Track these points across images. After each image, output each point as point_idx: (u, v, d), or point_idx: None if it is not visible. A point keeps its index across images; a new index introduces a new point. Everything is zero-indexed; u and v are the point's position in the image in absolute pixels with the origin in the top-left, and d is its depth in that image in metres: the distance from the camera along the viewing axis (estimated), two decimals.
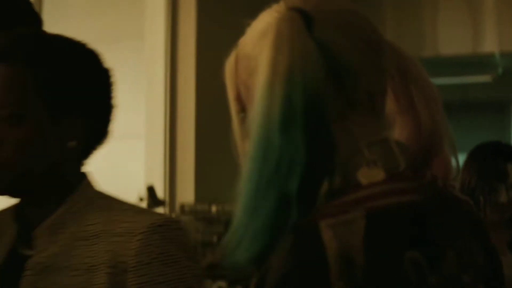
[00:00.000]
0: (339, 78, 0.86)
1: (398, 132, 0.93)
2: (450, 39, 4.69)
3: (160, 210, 3.68)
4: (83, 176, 1.27)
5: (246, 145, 0.88)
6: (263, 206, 0.81)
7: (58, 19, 3.97)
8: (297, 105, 0.80)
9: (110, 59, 4.65)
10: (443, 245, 0.83)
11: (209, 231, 3.21)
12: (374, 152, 0.84)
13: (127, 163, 3.99)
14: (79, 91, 1.20)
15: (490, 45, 4.58)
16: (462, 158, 2.31)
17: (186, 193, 3.88)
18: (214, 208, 3.42)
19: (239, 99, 0.93)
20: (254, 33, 0.92)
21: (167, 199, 3.78)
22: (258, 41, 0.89)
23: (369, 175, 0.82)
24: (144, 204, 3.49)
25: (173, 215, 3.64)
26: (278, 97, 0.80)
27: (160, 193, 3.66)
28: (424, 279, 0.79)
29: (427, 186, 0.87)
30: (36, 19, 1.61)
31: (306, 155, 0.79)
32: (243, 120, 0.92)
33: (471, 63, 4.95)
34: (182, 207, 3.63)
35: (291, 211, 0.80)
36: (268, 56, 0.83)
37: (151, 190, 3.50)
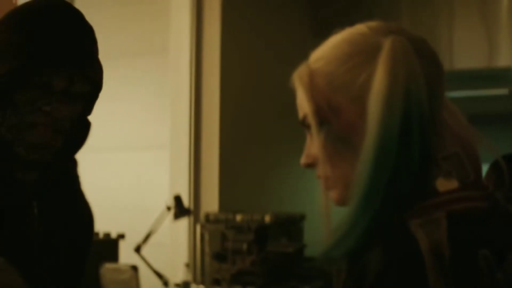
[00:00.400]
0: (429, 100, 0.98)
1: (450, 144, 1.02)
2: (466, 54, 4.76)
3: (186, 218, 3.77)
4: None
5: (325, 153, 1.01)
6: (372, 208, 0.93)
7: None
8: (414, 119, 0.93)
9: (136, 72, 4.82)
10: (505, 248, 0.94)
11: (239, 239, 3.31)
12: (449, 165, 0.97)
13: (152, 173, 4.09)
14: None
15: (505, 59, 4.65)
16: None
17: (211, 203, 3.96)
18: (239, 217, 3.51)
19: (319, 112, 1.02)
20: (338, 53, 1.02)
21: (192, 208, 3.86)
22: (348, 61, 1.00)
23: (445, 184, 0.96)
24: (171, 213, 3.59)
25: (198, 224, 3.73)
26: (397, 112, 0.93)
27: (185, 202, 3.75)
28: (493, 274, 0.91)
29: (491, 195, 1.00)
30: None
31: (417, 163, 0.93)
32: (328, 131, 1.01)
33: (487, 76, 5.02)
34: (207, 216, 3.72)
35: (393, 212, 0.93)
36: (386, 77, 0.95)
37: (178, 199, 3.59)
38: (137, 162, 4.12)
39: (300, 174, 4.61)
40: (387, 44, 0.97)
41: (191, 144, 4.01)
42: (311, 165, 1.07)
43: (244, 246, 3.21)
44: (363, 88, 0.98)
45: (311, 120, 1.01)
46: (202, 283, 3.56)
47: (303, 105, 1.04)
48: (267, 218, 3.37)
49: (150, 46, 4.19)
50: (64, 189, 1.52)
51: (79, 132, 1.46)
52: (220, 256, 3.25)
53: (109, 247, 3.61)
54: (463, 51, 4.76)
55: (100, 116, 1.83)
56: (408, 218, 0.92)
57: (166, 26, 4.12)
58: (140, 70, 4.19)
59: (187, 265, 3.70)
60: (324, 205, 1.05)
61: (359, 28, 1.04)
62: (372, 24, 1.04)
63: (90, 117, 1.48)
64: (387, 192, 0.92)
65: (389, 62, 0.95)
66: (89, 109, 1.44)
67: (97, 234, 3.52)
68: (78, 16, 1.38)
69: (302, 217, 3.79)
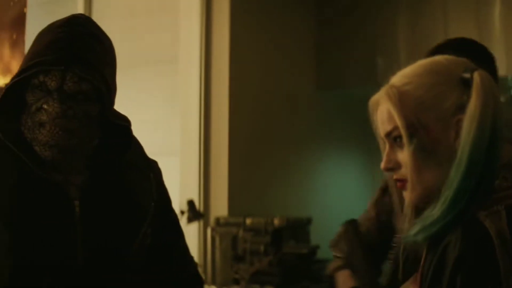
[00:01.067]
0: None
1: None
2: None
3: (196, 223, 3.91)
4: None
5: (413, 161, 1.24)
6: (460, 205, 1.18)
7: None
8: (497, 138, 1.18)
9: (147, 80, 5.00)
10: None
11: (256, 241, 3.48)
12: (505, 170, 1.23)
13: (163, 179, 4.21)
14: None
15: (501, 69, 4.80)
16: None
17: (220, 207, 4.10)
18: (248, 221, 3.67)
19: (409, 127, 1.25)
20: (426, 81, 1.27)
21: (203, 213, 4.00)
22: (436, 88, 1.26)
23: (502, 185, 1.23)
24: (184, 217, 3.72)
25: (209, 228, 3.88)
26: (487, 133, 1.19)
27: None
28: None
29: None
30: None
31: (496, 171, 1.19)
32: (417, 143, 1.24)
33: None
34: (217, 220, 3.87)
35: (473, 208, 1.17)
36: (479, 105, 1.20)
37: (191, 204, 3.73)
38: None
39: (305, 180, 4.79)
40: (476, 78, 1.22)
41: (201, 151, 4.14)
42: (391, 169, 1.30)
43: (262, 248, 3.38)
44: (448, 110, 1.24)
45: (403, 133, 1.25)
46: (213, 283, 3.71)
47: (392, 120, 1.27)
48: (279, 221, 3.54)
49: (161, 55, 4.32)
50: (110, 191, 1.61)
51: (117, 135, 1.60)
52: (238, 257, 3.41)
53: None
54: None
55: None
56: (477, 210, 1.17)
57: (177, 36, 4.25)
58: (151, 79, 4.32)
59: (199, 267, 3.83)
60: (407, 203, 1.29)
61: (440, 61, 1.30)
62: (450, 58, 1.29)
63: None
64: (473, 193, 1.18)
65: (481, 93, 1.21)
66: (109, 112, 1.56)
67: None
68: (79, 28, 1.52)
69: (309, 221, 3.96)
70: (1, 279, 1.45)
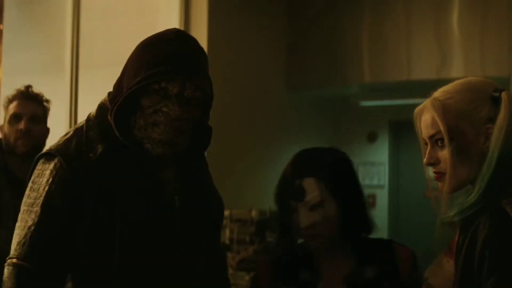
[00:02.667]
0: None
1: None
2: (421, 66, 5.16)
3: None
4: None
5: (452, 159, 1.57)
6: (490, 194, 1.52)
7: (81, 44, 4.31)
8: None
9: None
10: None
11: (242, 231, 3.67)
12: None
13: None
14: None
15: (457, 71, 5.04)
16: None
17: None
18: (234, 212, 3.87)
19: (450, 132, 1.57)
20: (466, 97, 1.60)
21: None
22: (473, 103, 1.59)
23: None
24: None
25: None
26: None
27: None
28: None
29: None
30: None
31: None
32: (455, 145, 1.57)
33: (441, 86, 5.43)
34: None
35: (498, 197, 1.49)
36: (506, 117, 1.55)
37: None
38: None
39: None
40: (504, 96, 1.58)
41: None
42: (432, 164, 1.63)
43: (247, 237, 3.58)
44: (481, 120, 1.58)
45: (445, 136, 1.58)
46: None
47: (435, 125, 1.60)
48: (262, 213, 3.73)
49: None
50: (199, 184, 1.81)
51: (203, 136, 1.79)
52: (225, 246, 3.59)
53: None
54: (419, 63, 5.15)
55: None
56: (501, 199, 1.50)
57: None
58: None
59: None
60: (445, 191, 1.60)
61: (474, 81, 1.65)
62: (480, 79, 1.67)
63: None
64: (501, 186, 1.51)
65: (507, 106, 1.56)
66: (206, 116, 1.78)
67: None
68: (190, 41, 1.73)
69: None
70: (111, 266, 1.63)
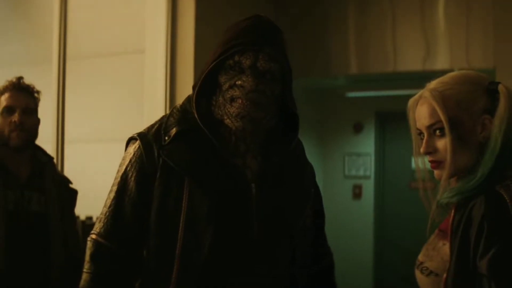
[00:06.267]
0: None
1: None
2: (407, 57, 5.18)
3: None
4: None
5: (451, 147, 1.61)
6: (489, 179, 1.56)
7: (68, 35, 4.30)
8: None
9: (114, 70, 5.10)
10: None
11: None
12: None
13: None
14: None
15: (442, 63, 5.07)
16: None
17: None
18: None
19: (449, 121, 1.62)
20: (464, 88, 1.65)
21: None
22: (472, 94, 1.64)
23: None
24: None
25: None
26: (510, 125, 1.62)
27: None
28: None
29: None
30: None
31: None
32: (455, 134, 1.62)
33: (426, 77, 5.45)
34: None
35: (496, 182, 1.55)
36: (505, 107, 1.61)
37: None
38: (113, 154, 4.34)
39: None
40: (502, 88, 1.64)
41: None
42: (429, 153, 1.66)
43: None
44: (478, 111, 1.63)
45: (446, 126, 1.62)
46: None
47: (434, 115, 1.63)
48: None
49: (128, 46, 4.42)
50: (279, 175, 1.80)
51: (289, 120, 1.82)
52: None
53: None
54: (404, 54, 5.17)
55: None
56: (495, 183, 1.56)
57: (142, 27, 4.38)
58: (119, 68, 4.39)
59: None
60: (444, 178, 1.65)
61: (471, 74, 1.69)
62: (476, 72, 1.70)
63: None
64: (500, 171, 1.57)
65: (506, 98, 1.62)
66: (288, 93, 1.79)
67: (77, 216, 3.61)
68: (263, 19, 1.78)
69: None
70: (203, 248, 1.67)
